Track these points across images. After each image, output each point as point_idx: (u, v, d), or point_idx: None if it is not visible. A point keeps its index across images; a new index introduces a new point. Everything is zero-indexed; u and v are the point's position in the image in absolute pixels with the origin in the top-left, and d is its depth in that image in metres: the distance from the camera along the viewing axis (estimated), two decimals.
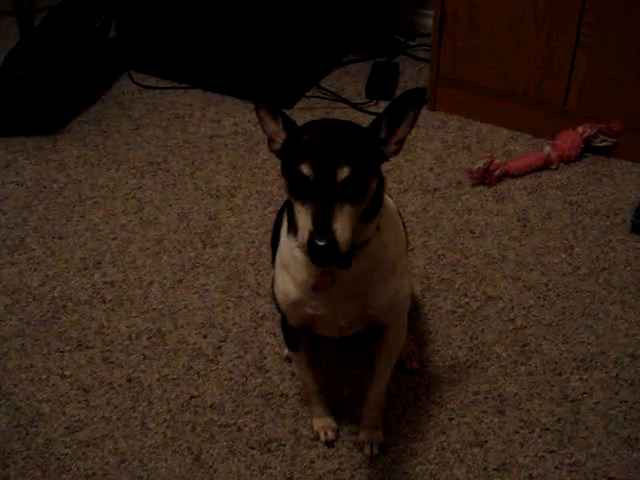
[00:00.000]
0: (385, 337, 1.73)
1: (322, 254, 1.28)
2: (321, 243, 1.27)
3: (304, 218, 1.31)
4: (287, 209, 1.52)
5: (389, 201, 1.59)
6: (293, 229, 1.46)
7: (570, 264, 2.34)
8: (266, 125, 1.46)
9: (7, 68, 3.06)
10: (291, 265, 1.53)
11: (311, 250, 1.28)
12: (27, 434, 1.99)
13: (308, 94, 3.14)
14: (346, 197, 1.31)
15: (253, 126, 2.99)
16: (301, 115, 3.01)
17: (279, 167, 1.41)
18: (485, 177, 2.63)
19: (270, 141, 1.47)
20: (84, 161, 2.91)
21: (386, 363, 1.78)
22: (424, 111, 2.99)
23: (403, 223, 1.76)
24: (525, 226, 2.48)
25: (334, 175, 1.30)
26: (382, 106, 3.04)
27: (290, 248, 1.52)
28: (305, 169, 1.31)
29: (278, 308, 1.70)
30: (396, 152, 1.44)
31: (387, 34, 3.42)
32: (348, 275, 1.48)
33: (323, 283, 1.50)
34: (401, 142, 1.43)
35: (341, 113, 3.00)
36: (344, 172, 1.30)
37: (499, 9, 2.68)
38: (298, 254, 1.48)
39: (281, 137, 1.44)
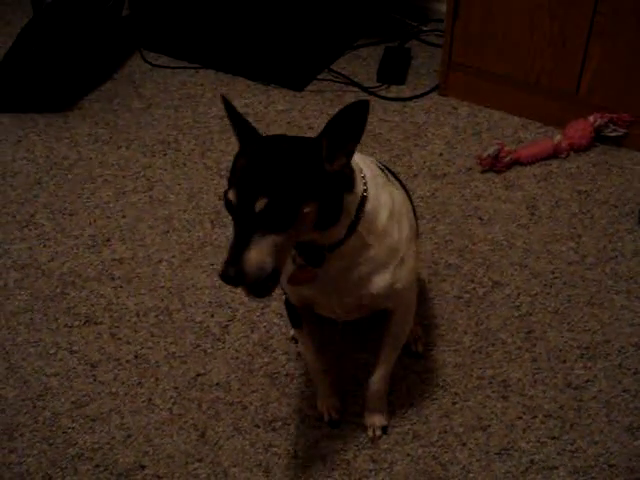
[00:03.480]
0: (391, 321, 1.73)
1: (230, 282, 1.31)
2: (230, 273, 1.29)
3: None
4: None
5: (383, 196, 1.53)
6: None
7: (577, 253, 2.35)
8: (236, 129, 1.46)
9: (20, 45, 3.06)
10: None
11: (221, 276, 1.31)
12: (34, 407, 2.01)
13: (319, 77, 3.14)
14: (267, 227, 1.31)
15: (264, 108, 2.99)
16: (312, 98, 3.02)
17: None
18: (495, 164, 2.63)
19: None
20: (95, 139, 2.92)
21: (392, 347, 1.79)
22: (435, 96, 3.00)
23: (413, 209, 1.76)
24: (533, 214, 2.48)
25: (253, 205, 1.30)
26: (393, 91, 3.05)
27: None
28: (230, 195, 1.32)
29: (281, 286, 1.71)
30: (346, 164, 1.39)
31: (399, 18, 3.41)
32: (328, 273, 1.50)
33: (298, 278, 1.53)
34: (350, 153, 1.38)
35: (352, 97, 3.00)
36: (261, 203, 1.29)
37: None
38: None
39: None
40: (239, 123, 1.44)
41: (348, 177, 1.43)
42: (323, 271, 1.50)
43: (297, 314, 1.76)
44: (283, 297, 1.79)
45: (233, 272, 1.29)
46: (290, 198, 1.31)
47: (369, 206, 1.48)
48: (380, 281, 1.56)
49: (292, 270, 1.52)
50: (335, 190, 1.40)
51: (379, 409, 1.90)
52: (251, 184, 1.31)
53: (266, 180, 1.31)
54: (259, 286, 1.34)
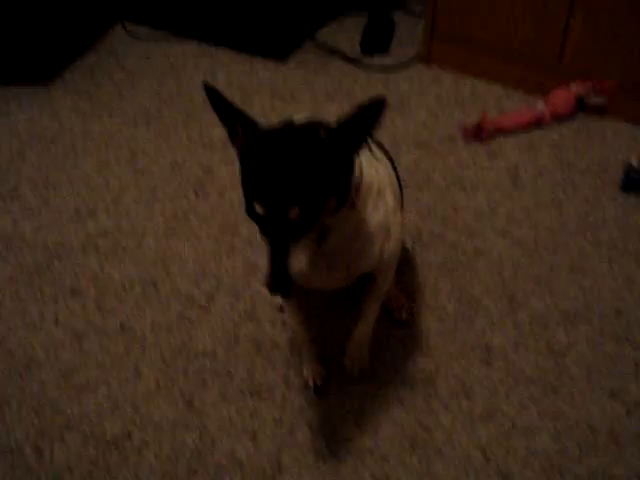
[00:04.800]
0: (374, 280, 1.76)
1: (281, 292, 1.33)
2: (279, 289, 1.31)
3: (264, 252, 1.33)
4: None
5: (371, 172, 1.53)
6: None
7: (559, 220, 2.37)
8: (222, 117, 1.36)
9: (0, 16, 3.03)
10: None
11: (271, 290, 1.31)
12: (21, 378, 2.02)
13: (303, 47, 3.12)
14: (299, 233, 1.32)
15: (247, 78, 2.98)
16: (295, 68, 3.02)
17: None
18: (478, 133, 2.64)
19: (230, 134, 1.37)
20: (77, 110, 2.91)
21: (374, 298, 1.81)
22: (419, 66, 3.00)
23: (398, 179, 1.77)
24: (516, 182, 2.50)
25: (286, 215, 1.28)
26: (377, 61, 3.04)
27: None
28: (258, 208, 1.29)
29: None
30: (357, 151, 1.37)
31: None
32: (323, 251, 1.52)
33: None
34: (363, 144, 1.36)
35: (336, 67, 3.00)
36: (295, 212, 1.28)
37: None
38: None
39: (239, 141, 1.36)
40: (231, 112, 1.34)
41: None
42: (319, 251, 1.51)
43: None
44: None
45: (282, 285, 1.30)
46: (319, 200, 1.31)
47: (363, 184, 1.48)
48: (369, 255, 1.58)
49: None
50: (346, 176, 1.40)
51: (359, 356, 1.94)
52: (280, 195, 1.27)
53: (295, 189, 1.27)
54: (291, 287, 1.33)
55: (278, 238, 1.31)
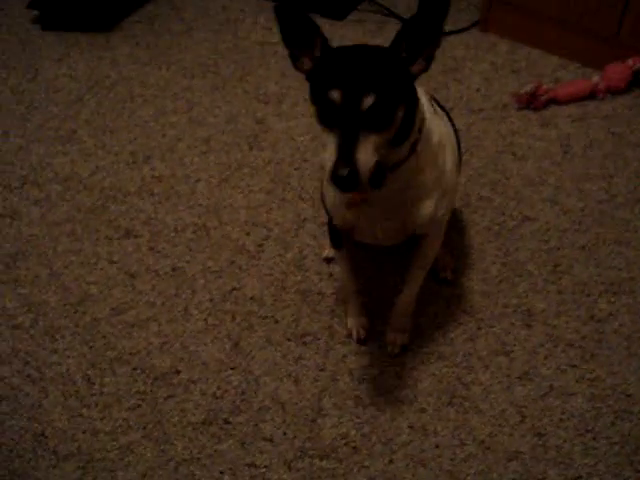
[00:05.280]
0: (421, 244, 1.79)
1: (344, 183, 1.34)
2: (343, 174, 1.32)
3: (330, 146, 1.36)
4: None
5: (433, 123, 1.59)
6: None
7: (608, 192, 2.37)
8: (292, 37, 1.44)
9: None
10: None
11: (334, 179, 1.34)
12: (75, 312, 2.10)
13: (360, 7, 3.14)
14: (371, 125, 1.35)
15: None
16: (352, 28, 3.04)
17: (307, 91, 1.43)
18: (531, 102, 2.65)
19: (294, 58, 1.46)
20: (135, 59, 2.96)
21: (419, 267, 1.84)
22: (475, 32, 3.00)
23: (458, 142, 1.80)
24: (567, 152, 2.51)
25: (360, 103, 1.33)
26: None
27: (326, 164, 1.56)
28: (334, 94, 1.34)
29: (325, 209, 1.77)
30: (425, 69, 1.42)
31: None
32: (381, 195, 1.53)
33: (355, 201, 1.56)
34: (429, 59, 1.41)
35: (392, 29, 3.00)
36: (369, 100, 1.33)
37: None
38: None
39: (312, 55, 1.44)
40: (310, 25, 1.41)
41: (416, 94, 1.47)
42: (376, 195, 1.53)
43: (339, 236, 1.81)
44: (319, 220, 1.85)
45: (346, 172, 1.32)
46: (391, 97, 1.36)
47: (425, 129, 1.53)
48: (424, 208, 1.61)
49: (345, 195, 1.55)
50: (413, 99, 1.45)
51: (402, 328, 1.97)
52: (357, 83, 1.34)
53: (372, 79, 1.34)
54: (356, 183, 1.34)
55: (348, 126, 1.34)
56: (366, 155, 1.34)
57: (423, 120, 1.51)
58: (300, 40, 1.43)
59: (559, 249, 2.21)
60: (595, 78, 2.71)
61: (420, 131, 1.50)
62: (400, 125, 1.41)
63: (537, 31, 2.89)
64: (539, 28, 2.88)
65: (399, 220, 1.63)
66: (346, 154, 1.33)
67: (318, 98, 1.38)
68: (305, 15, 1.41)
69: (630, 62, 2.69)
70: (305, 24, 1.42)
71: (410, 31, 1.38)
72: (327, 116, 1.37)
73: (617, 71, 2.70)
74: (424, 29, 1.37)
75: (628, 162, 2.48)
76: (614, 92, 2.72)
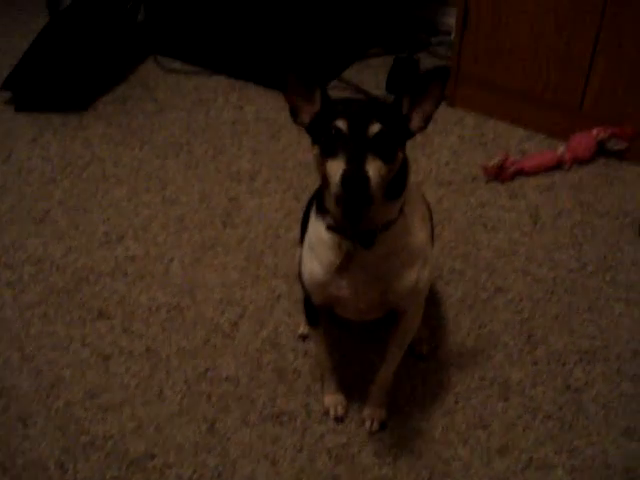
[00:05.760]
0: (400, 321, 1.79)
1: (355, 186, 1.35)
2: (355, 175, 1.35)
3: (337, 165, 1.38)
4: (317, 192, 1.59)
5: (415, 189, 1.67)
6: (322, 211, 1.55)
7: (578, 261, 2.41)
8: (294, 96, 1.53)
9: (37, 46, 3.14)
10: (318, 246, 1.61)
11: (344, 182, 1.35)
12: (48, 397, 2.06)
13: (330, 85, 3.20)
14: (377, 151, 1.39)
15: (275, 113, 3.06)
16: None
17: (309, 141, 1.50)
18: (499, 174, 2.70)
19: (294, 113, 1.55)
20: (109, 139, 2.99)
21: (398, 346, 1.85)
22: (443, 107, 3.06)
23: (430, 214, 1.83)
24: (536, 223, 2.55)
25: (366, 129, 1.39)
26: None
27: (318, 230, 1.59)
28: (340, 123, 1.40)
29: (303, 286, 1.76)
30: (422, 128, 1.51)
31: (409, 30, 3.49)
32: (370, 257, 1.55)
33: (344, 263, 1.58)
34: (428, 119, 1.50)
35: None
36: (375, 127, 1.39)
37: (522, 10, 2.74)
38: (325, 236, 1.56)
39: (313, 109, 1.52)
40: (313, 80, 1.51)
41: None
42: (363, 257, 1.56)
43: (316, 313, 1.81)
44: (294, 297, 1.85)
45: (357, 173, 1.35)
46: (394, 133, 1.43)
47: (411, 198, 1.60)
48: (407, 277, 1.63)
49: (338, 256, 1.58)
50: (407, 159, 1.52)
51: (379, 403, 1.96)
52: (363, 112, 1.43)
53: (377, 112, 1.43)
54: (366, 191, 1.37)
55: (355, 149, 1.38)
56: (374, 171, 1.38)
57: (409, 190, 1.56)
58: (301, 94, 1.52)
59: (533, 319, 2.23)
60: (561, 149, 2.77)
61: (407, 200, 1.56)
62: (397, 173, 1.46)
63: (503, 105, 2.96)
64: (504, 102, 2.96)
65: (381, 289, 1.63)
66: (356, 163, 1.37)
67: (323, 132, 1.43)
68: (308, 71, 1.52)
69: (594, 132, 2.77)
70: (307, 79, 1.51)
71: (412, 91, 1.47)
72: (333, 146, 1.41)
73: (582, 141, 2.77)
74: (425, 91, 1.47)
75: (596, 230, 2.52)
76: (580, 162, 2.78)
